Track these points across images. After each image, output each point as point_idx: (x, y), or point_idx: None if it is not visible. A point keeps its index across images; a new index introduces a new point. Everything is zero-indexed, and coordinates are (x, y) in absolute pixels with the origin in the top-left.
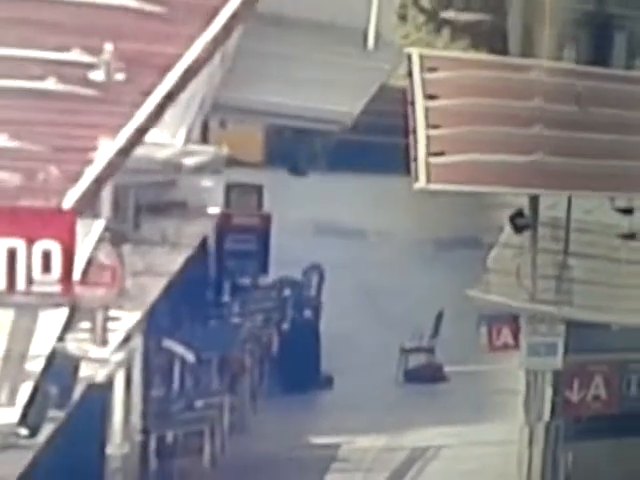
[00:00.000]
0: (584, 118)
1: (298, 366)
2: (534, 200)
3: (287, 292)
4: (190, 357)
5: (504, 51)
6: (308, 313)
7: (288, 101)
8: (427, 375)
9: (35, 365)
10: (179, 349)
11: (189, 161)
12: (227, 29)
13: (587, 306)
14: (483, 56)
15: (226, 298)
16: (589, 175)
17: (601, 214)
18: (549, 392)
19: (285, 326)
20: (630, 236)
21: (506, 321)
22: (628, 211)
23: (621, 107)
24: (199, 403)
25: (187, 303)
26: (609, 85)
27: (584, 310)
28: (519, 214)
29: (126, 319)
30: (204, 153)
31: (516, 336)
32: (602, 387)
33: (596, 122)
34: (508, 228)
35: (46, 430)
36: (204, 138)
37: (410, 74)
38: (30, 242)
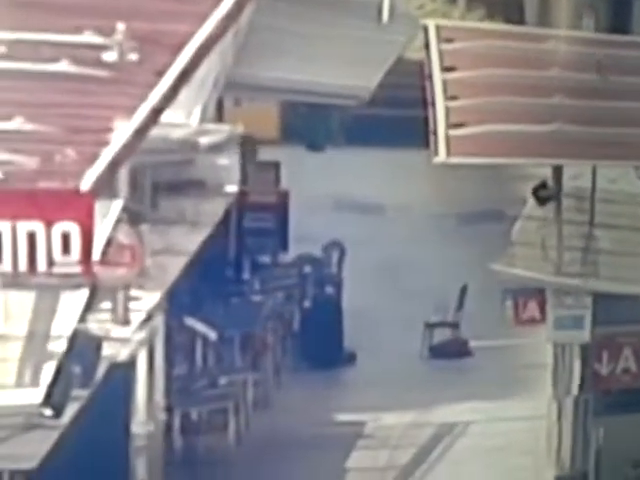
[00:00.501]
0: (605, 86)
1: (320, 343)
2: (557, 171)
3: (307, 269)
4: (212, 335)
5: (521, 21)
6: (329, 290)
7: (303, 77)
8: (452, 350)
9: (58, 346)
10: (201, 327)
11: (205, 140)
12: (239, 5)
13: (614, 277)
14: (500, 26)
15: (246, 276)
16: (612, 144)
17: (626, 183)
18: (577, 366)
19: (307, 303)
20: None
21: (532, 294)
22: None
23: None
24: (222, 380)
25: (208, 282)
26: (629, 52)
27: (611, 282)
28: (542, 186)
29: (147, 298)
30: (219, 132)
31: (542, 309)
32: (632, 360)
33: (617, 90)
34: (531, 200)
35: (70, 410)
36: (219, 117)
37: (427, 46)
38: (49, 224)
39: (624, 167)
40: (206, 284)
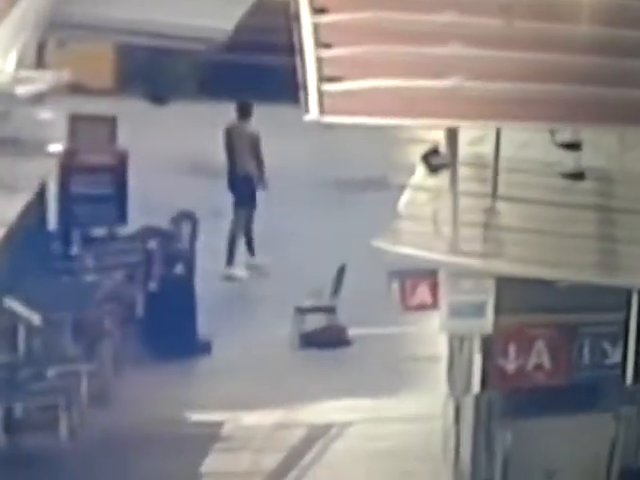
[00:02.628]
0: (512, 33)
1: (169, 329)
2: (452, 134)
3: (153, 244)
4: (35, 319)
5: None
6: (180, 268)
7: (143, 15)
8: (328, 339)
9: None
10: (22, 310)
11: (22, 89)
12: None
13: (522, 258)
14: None
15: (76, 251)
16: (521, 102)
17: (538, 150)
18: (478, 360)
19: (152, 284)
20: (577, 175)
21: (422, 276)
22: (574, 146)
23: (558, 20)
24: (51, 372)
25: (30, 257)
26: None
27: (517, 263)
28: (434, 151)
29: None
30: (40, 80)
31: (435, 294)
32: (546, 354)
33: (528, 38)
34: (421, 168)
35: None
36: (40, 62)
37: None
38: None
39: (536, 130)
40: (28, 259)
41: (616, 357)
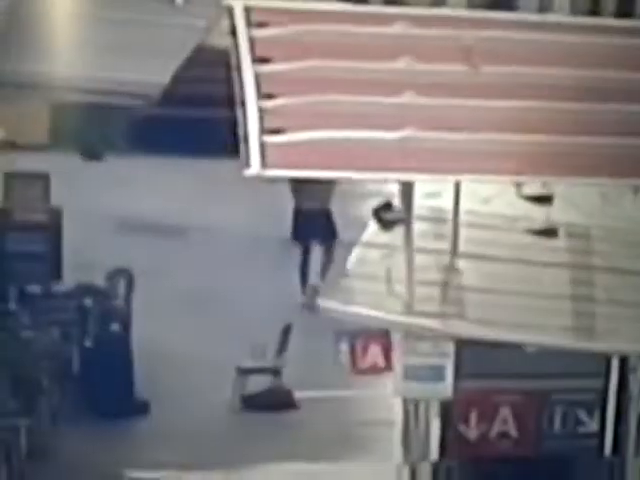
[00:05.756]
0: (475, 80)
1: (106, 388)
2: (407, 187)
3: (88, 301)
4: None
5: None
6: (116, 326)
7: (76, 71)
8: (271, 401)
9: None
10: None
11: None
12: None
13: (484, 320)
14: (329, 6)
15: (12, 307)
16: (483, 154)
17: (502, 204)
18: (436, 425)
19: (88, 342)
20: (548, 232)
21: (374, 337)
22: (544, 199)
23: (528, 63)
24: None
25: None
26: (513, 34)
27: (480, 325)
28: (387, 205)
29: None
30: None
31: (388, 356)
32: (512, 422)
33: (492, 84)
34: (373, 223)
35: None
36: None
37: (233, 32)
38: None
39: (500, 184)
40: None
41: (592, 426)
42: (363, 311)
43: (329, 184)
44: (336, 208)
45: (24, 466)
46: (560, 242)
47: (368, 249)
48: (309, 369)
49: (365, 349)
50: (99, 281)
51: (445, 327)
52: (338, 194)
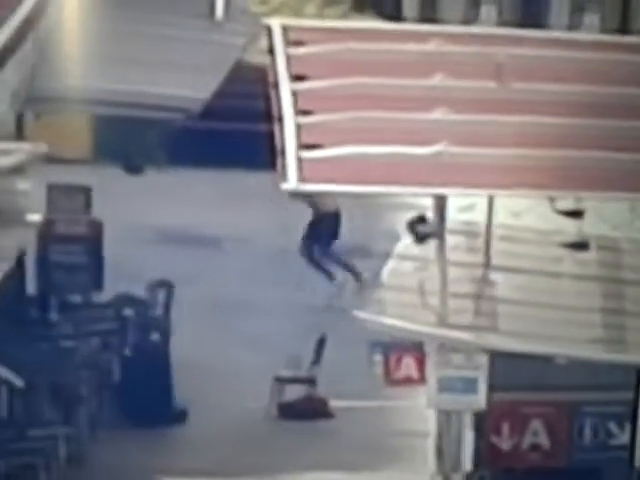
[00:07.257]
0: (507, 96)
1: (145, 396)
2: (440, 201)
3: (128, 311)
4: (18, 382)
5: (396, 16)
6: (155, 336)
7: (119, 85)
8: (307, 410)
9: None
10: (5, 372)
11: (2, 161)
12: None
13: (517, 333)
14: (364, 24)
15: (54, 317)
16: (516, 169)
17: (534, 218)
18: (470, 436)
19: (128, 351)
20: (580, 245)
21: (407, 349)
22: (576, 214)
23: (559, 80)
24: (32, 433)
25: (11, 323)
26: (543, 52)
27: (513, 338)
28: (421, 219)
29: None
30: (19, 151)
31: (421, 368)
32: (543, 433)
33: (523, 100)
34: (407, 236)
35: None
36: (19, 133)
37: (271, 50)
38: None
39: (531, 198)
40: (8, 325)
41: (622, 438)
42: (397, 323)
43: None
44: (370, 221)
45: (63, 474)
46: (591, 255)
47: (402, 261)
48: (344, 379)
49: (399, 361)
50: (139, 291)
51: (478, 339)
52: (372, 206)
